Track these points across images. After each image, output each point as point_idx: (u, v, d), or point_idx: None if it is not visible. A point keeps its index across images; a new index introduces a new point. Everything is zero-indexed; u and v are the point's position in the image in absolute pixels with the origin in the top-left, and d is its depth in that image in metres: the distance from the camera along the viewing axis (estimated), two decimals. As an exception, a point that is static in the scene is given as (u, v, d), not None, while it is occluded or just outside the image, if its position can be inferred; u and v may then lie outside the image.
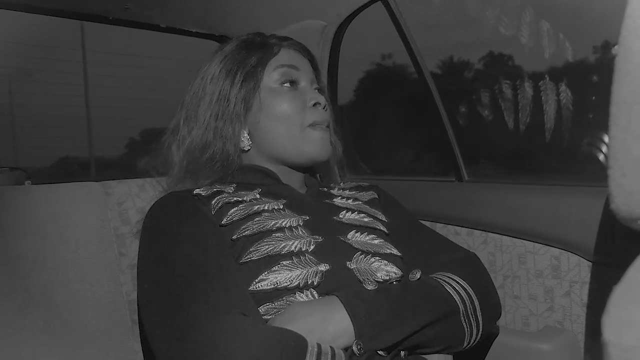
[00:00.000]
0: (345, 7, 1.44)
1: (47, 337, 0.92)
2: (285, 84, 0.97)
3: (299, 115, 0.96)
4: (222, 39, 1.61)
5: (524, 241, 1.16)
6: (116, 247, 1.04)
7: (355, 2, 1.41)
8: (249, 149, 0.98)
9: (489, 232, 1.23)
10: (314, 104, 0.97)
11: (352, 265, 0.85)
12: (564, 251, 1.10)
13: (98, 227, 1.03)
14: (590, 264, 1.06)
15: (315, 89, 1.01)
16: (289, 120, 0.95)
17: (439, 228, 1.33)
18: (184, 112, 1.00)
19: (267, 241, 0.83)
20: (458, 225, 1.30)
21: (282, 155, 0.97)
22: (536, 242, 1.14)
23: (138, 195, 1.10)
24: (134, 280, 1.05)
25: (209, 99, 0.97)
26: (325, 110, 0.99)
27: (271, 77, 0.97)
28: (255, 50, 0.98)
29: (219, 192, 0.92)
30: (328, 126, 0.99)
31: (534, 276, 1.15)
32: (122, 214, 1.06)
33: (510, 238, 1.19)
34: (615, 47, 0.44)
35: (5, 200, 0.96)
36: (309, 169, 1.04)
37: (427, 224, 1.31)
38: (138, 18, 1.45)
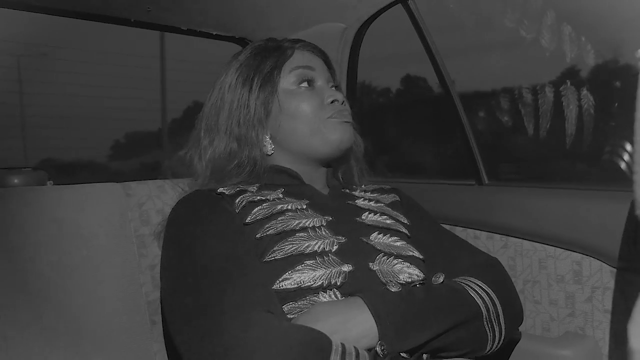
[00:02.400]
0: (365, 9, 1.44)
1: (65, 337, 0.92)
2: (303, 84, 0.98)
3: (319, 112, 0.96)
4: (241, 42, 1.62)
5: (545, 245, 1.15)
6: (136, 247, 1.05)
7: (375, 4, 1.41)
8: (272, 153, 0.99)
9: (509, 236, 1.22)
10: (332, 102, 0.97)
11: (374, 266, 0.85)
12: (585, 256, 1.09)
13: (118, 228, 1.03)
14: (613, 269, 1.04)
15: (332, 87, 1.01)
16: (309, 117, 0.95)
17: (459, 231, 1.32)
18: (204, 124, 1.01)
19: (290, 240, 0.83)
20: (478, 229, 1.28)
21: (307, 150, 0.97)
22: (557, 247, 1.13)
23: (158, 197, 1.10)
24: (153, 280, 1.06)
25: (228, 108, 0.98)
26: (344, 105, 0.99)
27: (287, 79, 0.98)
28: (269, 55, 0.98)
29: (243, 191, 0.92)
30: (348, 117, 0.99)
31: (555, 281, 1.13)
32: (142, 215, 1.07)
33: (531, 242, 1.18)
34: (639, 51, 0.44)
35: (27, 200, 0.97)
36: (330, 168, 1.04)
37: (447, 227, 1.29)
38: (159, 20, 1.47)
